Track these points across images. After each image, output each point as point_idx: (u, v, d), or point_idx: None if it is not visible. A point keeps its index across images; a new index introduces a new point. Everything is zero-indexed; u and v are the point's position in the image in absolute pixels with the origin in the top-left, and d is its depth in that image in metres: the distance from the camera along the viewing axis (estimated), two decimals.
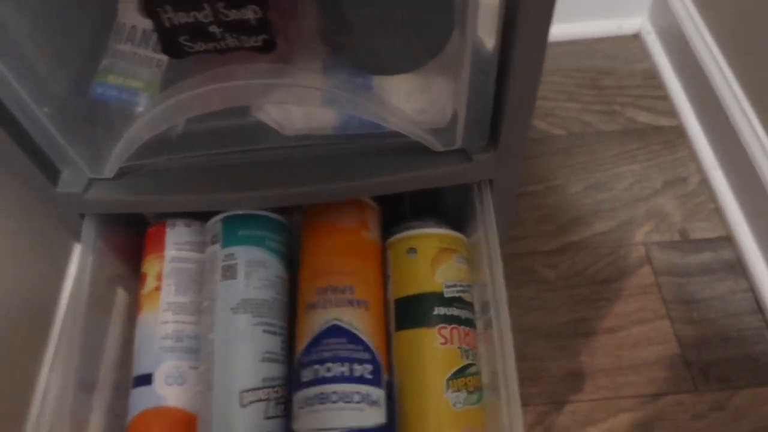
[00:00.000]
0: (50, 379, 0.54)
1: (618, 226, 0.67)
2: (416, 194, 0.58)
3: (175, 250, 0.50)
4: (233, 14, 0.31)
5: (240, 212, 0.47)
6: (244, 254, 0.46)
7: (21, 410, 0.51)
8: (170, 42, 0.33)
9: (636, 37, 0.85)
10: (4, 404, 0.49)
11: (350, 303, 0.44)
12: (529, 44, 0.35)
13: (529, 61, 0.36)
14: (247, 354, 0.43)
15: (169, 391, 0.45)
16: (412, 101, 0.42)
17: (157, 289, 0.48)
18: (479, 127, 0.42)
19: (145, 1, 0.30)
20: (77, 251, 0.61)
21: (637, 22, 0.85)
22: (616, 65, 0.82)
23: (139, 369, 0.46)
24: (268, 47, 0.33)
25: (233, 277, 0.45)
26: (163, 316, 0.47)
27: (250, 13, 0.31)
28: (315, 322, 0.44)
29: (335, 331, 0.43)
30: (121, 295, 0.53)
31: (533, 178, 0.71)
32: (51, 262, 0.57)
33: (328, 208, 0.50)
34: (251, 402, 0.41)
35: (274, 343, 0.44)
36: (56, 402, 0.41)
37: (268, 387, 0.43)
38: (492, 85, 0.39)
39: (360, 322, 0.43)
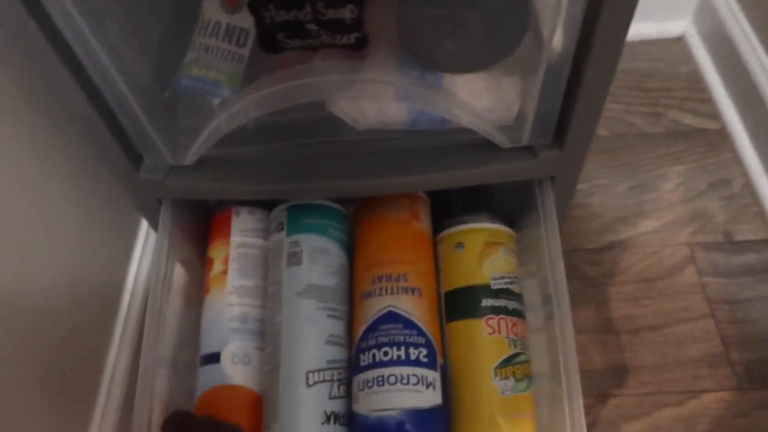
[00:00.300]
0: (119, 355, 0.56)
1: (662, 226, 0.68)
2: (467, 187, 0.60)
3: (240, 236, 0.52)
4: (331, 13, 0.33)
5: (303, 202, 0.49)
6: (309, 242, 0.48)
7: (92, 385, 0.54)
8: (268, 38, 0.35)
9: (680, 40, 0.86)
10: (77, 376, 0.52)
11: (404, 290, 0.46)
12: (607, 46, 0.36)
13: (605, 62, 0.37)
14: (312, 337, 0.45)
15: (235, 369, 0.47)
16: (481, 99, 0.43)
17: (224, 273, 0.50)
18: (546, 125, 0.43)
19: (252, 1, 0.32)
20: (141, 236, 0.64)
21: (681, 25, 0.86)
22: (661, 68, 0.82)
23: (207, 348, 0.48)
24: (360, 45, 0.35)
25: (298, 263, 0.47)
26: (230, 298, 0.49)
27: (347, 13, 0.33)
28: (371, 309, 0.46)
29: (391, 317, 0.45)
30: (188, 278, 0.56)
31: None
32: (119, 245, 0.60)
33: (380, 200, 0.52)
34: (316, 382, 0.43)
35: (338, 327, 0.46)
36: (140, 377, 0.43)
37: (333, 369, 0.45)
38: (563, 85, 0.40)
39: (414, 308, 0.45)
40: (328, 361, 0.45)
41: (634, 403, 0.58)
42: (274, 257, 0.49)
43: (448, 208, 0.59)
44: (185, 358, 0.50)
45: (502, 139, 0.44)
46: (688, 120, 0.77)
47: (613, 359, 0.60)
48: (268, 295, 0.48)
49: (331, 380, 0.44)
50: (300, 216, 0.49)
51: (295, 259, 0.48)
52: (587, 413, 0.58)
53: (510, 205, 0.55)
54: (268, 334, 0.47)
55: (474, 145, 0.45)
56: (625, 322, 0.63)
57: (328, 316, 0.47)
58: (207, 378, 0.48)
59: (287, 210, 0.50)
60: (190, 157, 0.45)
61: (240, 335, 0.49)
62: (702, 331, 0.62)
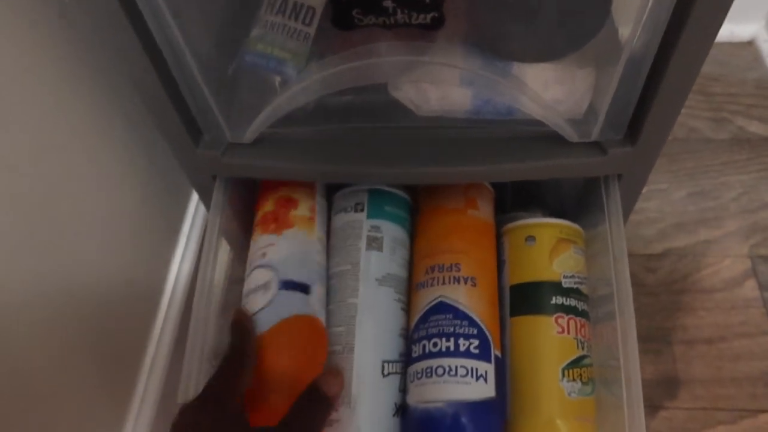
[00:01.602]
0: (164, 327, 0.57)
1: (723, 236, 0.66)
2: (521, 181, 0.58)
3: (320, 196, 0.50)
4: None
5: (384, 188, 0.48)
6: (390, 230, 0.47)
7: (141, 341, 0.54)
8: (342, 14, 0.34)
9: (750, 44, 0.82)
10: (127, 339, 0.52)
11: (456, 280, 0.45)
12: (696, 43, 0.34)
13: (691, 58, 0.35)
14: (390, 327, 0.45)
15: (321, 311, 0.45)
16: (550, 91, 0.42)
17: (311, 219, 0.48)
18: (619, 120, 0.41)
19: None
20: (191, 210, 0.64)
21: (752, 28, 0.82)
22: (727, 72, 0.79)
23: (294, 275, 0.45)
24: (435, 24, 0.34)
25: (379, 249, 0.46)
26: (316, 245, 0.47)
27: None
28: (424, 300, 0.45)
29: (441, 307, 0.44)
30: (231, 254, 0.55)
31: None
32: (169, 220, 0.60)
33: (437, 189, 0.51)
34: (390, 373, 0.43)
35: (406, 320, 0.46)
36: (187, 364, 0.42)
37: (402, 362, 0.44)
38: (642, 79, 0.38)
39: (467, 298, 0.44)
40: (399, 354, 0.44)
41: (686, 417, 0.56)
42: (347, 236, 0.47)
43: (508, 198, 0.57)
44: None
45: (570, 133, 0.42)
46: (755, 128, 0.74)
47: (665, 370, 0.58)
48: (337, 273, 0.47)
49: (401, 372, 0.44)
50: (381, 202, 0.48)
51: (376, 243, 0.47)
52: None
53: (572, 203, 0.54)
54: (334, 313, 0.45)
55: (540, 138, 0.43)
56: (679, 333, 0.60)
57: (401, 308, 0.46)
58: (291, 304, 0.44)
59: (369, 192, 0.49)
60: (249, 135, 0.44)
61: (323, 284, 0.46)
62: (761, 347, 0.59)
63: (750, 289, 0.62)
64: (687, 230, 0.66)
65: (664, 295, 0.62)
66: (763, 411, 0.56)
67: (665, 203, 0.68)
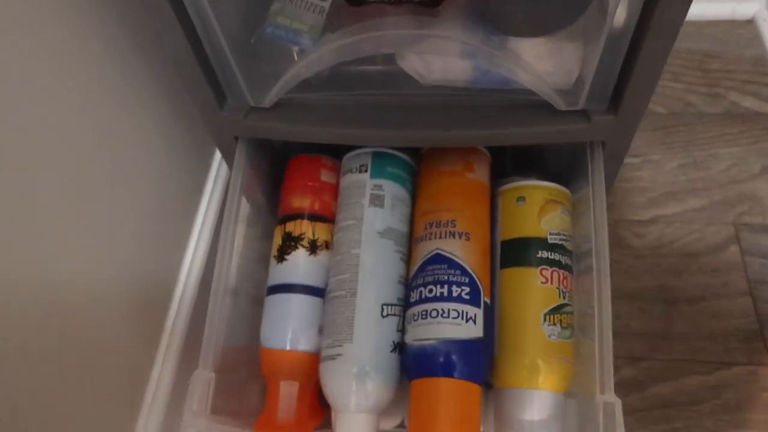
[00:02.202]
0: (189, 277, 0.62)
1: (710, 204, 0.70)
2: (522, 147, 0.63)
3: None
4: None
5: (387, 150, 0.53)
6: (391, 189, 0.52)
7: (160, 312, 0.60)
8: None
9: (750, 23, 0.85)
10: (150, 295, 0.58)
11: (452, 234, 0.50)
12: (668, 19, 0.38)
13: (664, 35, 0.39)
14: (389, 274, 0.50)
15: None
16: (542, 63, 0.46)
17: None
18: (602, 91, 0.46)
19: None
20: (213, 171, 0.69)
21: (753, 7, 0.85)
22: (726, 49, 0.82)
23: None
24: (435, 1, 0.38)
25: (381, 206, 0.51)
26: None
27: None
28: (422, 251, 0.50)
29: (437, 258, 0.49)
30: (251, 213, 0.61)
31: (631, 150, 0.73)
32: (192, 177, 0.65)
33: (438, 153, 0.55)
34: (389, 315, 0.48)
35: (405, 270, 0.51)
36: (212, 303, 0.48)
37: (400, 305, 0.50)
38: (622, 53, 0.42)
39: (461, 250, 0.49)
40: (398, 298, 0.50)
41: (663, 367, 0.61)
42: (352, 195, 0.53)
43: (508, 164, 0.62)
44: (247, 289, 0.56)
45: (559, 102, 0.46)
46: (749, 103, 0.77)
47: (648, 326, 0.63)
48: (343, 227, 0.52)
49: (399, 315, 0.49)
50: (384, 163, 0.53)
51: (378, 201, 0.52)
52: (616, 372, 0.61)
53: (559, 168, 0.58)
54: (339, 263, 0.51)
55: (532, 106, 0.48)
56: (663, 292, 0.65)
57: (401, 258, 0.51)
58: None
59: (372, 155, 0.54)
60: (269, 100, 0.49)
61: None
62: (739, 307, 0.64)
63: (732, 254, 0.67)
64: (676, 199, 0.70)
65: (651, 258, 0.67)
66: (737, 363, 0.61)
67: (657, 173, 0.72)
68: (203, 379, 0.45)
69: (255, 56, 0.48)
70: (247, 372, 0.54)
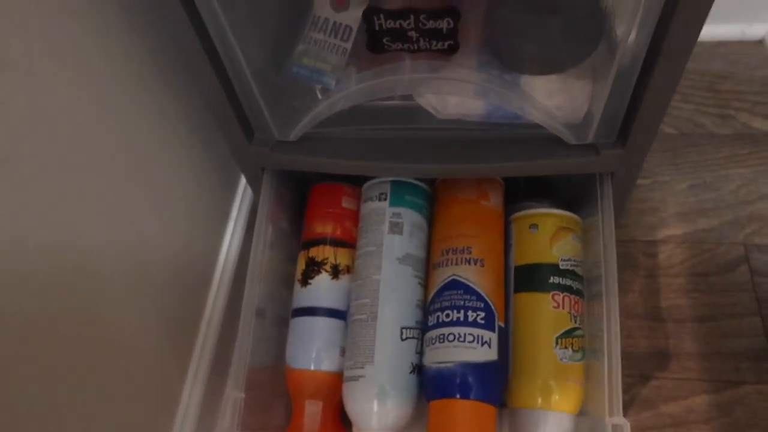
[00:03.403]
0: (216, 300, 0.65)
1: (720, 225, 0.71)
2: (533, 177, 0.65)
3: None
4: (430, 24, 0.39)
5: (405, 179, 0.56)
6: (409, 216, 0.55)
7: (191, 334, 0.62)
8: (375, 41, 0.41)
9: (761, 44, 0.86)
10: (181, 317, 0.61)
11: (467, 261, 0.52)
12: (676, 55, 0.40)
13: (672, 70, 0.41)
14: (408, 298, 0.53)
15: None
16: (553, 99, 0.48)
17: None
18: (611, 125, 0.48)
19: (367, 10, 0.38)
20: (238, 199, 0.72)
21: (763, 28, 0.86)
22: (737, 70, 0.84)
23: None
24: (451, 50, 0.41)
25: (399, 233, 0.54)
26: None
27: (444, 24, 0.39)
28: (439, 277, 0.53)
29: (454, 284, 0.52)
30: (275, 238, 0.64)
31: (641, 172, 0.75)
32: (219, 202, 0.69)
33: (454, 181, 0.58)
34: (408, 338, 0.51)
35: (422, 294, 0.54)
36: (242, 324, 0.51)
37: (419, 329, 0.52)
38: (630, 89, 0.45)
39: (476, 276, 0.51)
40: (417, 322, 0.52)
41: (673, 386, 0.62)
42: (372, 222, 0.55)
43: (521, 190, 0.64)
44: (272, 310, 0.59)
45: (569, 136, 0.49)
46: (758, 124, 0.79)
47: (658, 345, 0.65)
48: (363, 254, 0.55)
49: (417, 338, 0.52)
50: (402, 192, 0.56)
51: (397, 228, 0.55)
52: (627, 391, 0.63)
53: (572, 195, 0.60)
54: (360, 287, 0.54)
55: (543, 140, 0.50)
56: (673, 312, 0.67)
57: (419, 283, 0.54)
58: None
59: (391, 183, 0.56)
60: (295, 134, 0.52)
61: None
62: (749, 327, 0.65)
63: (742, 273, 0.68)
64: (686, 219, 0.72)
65: (661, 277, 0.69)
66: (746, 382, 0.62)
67: (667, 194, 0.74)
68: (234, 398, 0.47)
69: (281, 94, 0.51)
70: (272, 390, 0.57)
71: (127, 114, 0.51)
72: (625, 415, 0.45)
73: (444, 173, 0.53)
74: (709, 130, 0.79)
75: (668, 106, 0.46)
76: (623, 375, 0.62)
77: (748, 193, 0.74)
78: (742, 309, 0.66)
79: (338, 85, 0.48)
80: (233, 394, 0.47)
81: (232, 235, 0.69)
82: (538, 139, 0.50)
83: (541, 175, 0.52)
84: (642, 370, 0.64)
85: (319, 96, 0.50)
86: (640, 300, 0.68)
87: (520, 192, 0.64)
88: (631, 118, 0.47)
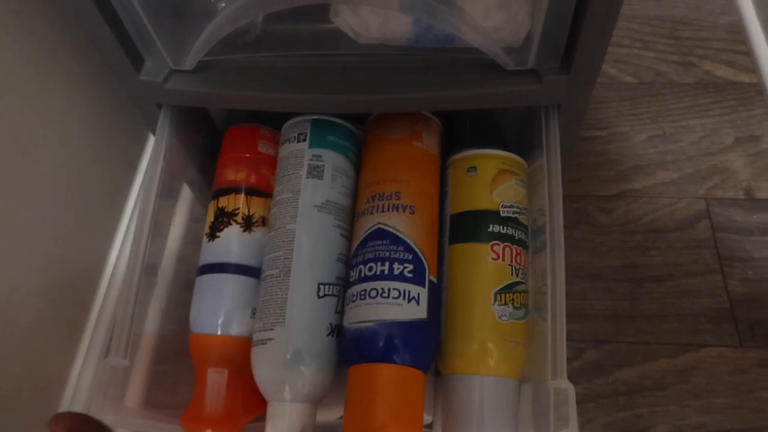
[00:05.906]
0: (119, 260, 0.58)
1: (680, 178, 0.66)
2: (477, 118, 0.59)
3: None
4: None
5: (328, 118, 0.49)
6: (331, 159, 0.48)
7: (91, 286, 0.55)
8: None
9: None
10: (79, 275, 0.53)
11: (395, 208, 0.45)
12: None
13: None
14: (327, 251, 0.45)
15: None
16: (489, 18, 0.42)
17: None
18: (553, 48, 0.42)
19: None
20: (150, 144, 0.64)
21: None
22: (699, 16, 0.78)
23: None
24: None
25: (319, 177, 0.47)
26: None
27: None
28: (364, 226, 0.46)
29: (379, 233, 0.45)
30: (185, 189, 0.56)
31: (597, 123, 0.70)
32: (125, 152, 0.61)
33: (384, 121, 0.51)
34: (326, 295, 0.44)
35: (346, 246, 0.47)
36: (124, 283, 0.44)
37: (339, 285, 0.45)
38: (572, 5, 0.38)
39: (405, 225, 0.45)
40: (337, 277, 0.45)
41: (628, 350, 0.57)
42: (290, 165, 0.48)
43: (460, 134, 0.58)
44: (182, 274, 0.51)
45: (506, 60, 0.42)
46: (722, 72, 0.74)
47: (613, 306, 0.60)
48: (278, 202, 0.48)
49: (338, 295, 0.45)
50: (324, 131, 0.49)
51: (316, 172, 0.47)
52: (578, 356, 0.57)
53: (519, 139, 0.54)
54: (273, 239, 0.47)
55: (479, 66, 0.44)
56: (629, 271, 0.61)
57: (341, 234, 0.47)
58: None
59: (312, 122, 0.49)
60: (190, 60, 0.44)
61: None
62: (709, 286, 0.60)
63: (703, 229, 0.63)
64: (645, 172, 0.67)
65: (617, 234, 0.63)
66: (705, 345, 0.57)
67: (625, 146, 0.68)
68: (112, 367, 0.40)
69: (173, 11, 0.44)
70: (187, 362, 0.49)
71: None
72: (575, 382, 0.39)
73: (366, 107, 0.46)
74: (671, 78, 0.73)
75: (614, 26, 0.39)
76: (575, 339, 0.57)
77: (711, 144, 0.68)
78: (703, 267, 0.61)
79: None
80: (112, 361, 0.40)
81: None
82: (474, 66, 0.44)
83: (480, 109, 0.46)
84: (595, 334, 0.58)
85: (219, 10, 0.42)
86: (594, 259, 0.62)
87: (463, 138, 0.58)
88: (575, 39, 0.40)
